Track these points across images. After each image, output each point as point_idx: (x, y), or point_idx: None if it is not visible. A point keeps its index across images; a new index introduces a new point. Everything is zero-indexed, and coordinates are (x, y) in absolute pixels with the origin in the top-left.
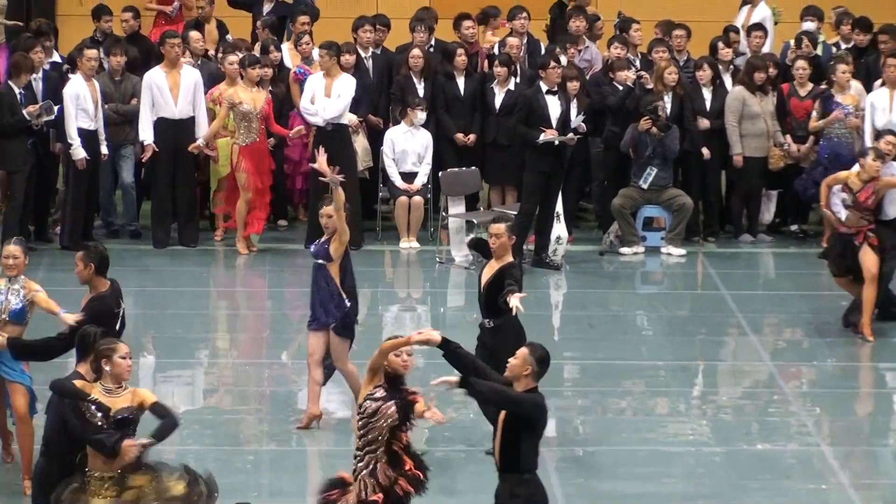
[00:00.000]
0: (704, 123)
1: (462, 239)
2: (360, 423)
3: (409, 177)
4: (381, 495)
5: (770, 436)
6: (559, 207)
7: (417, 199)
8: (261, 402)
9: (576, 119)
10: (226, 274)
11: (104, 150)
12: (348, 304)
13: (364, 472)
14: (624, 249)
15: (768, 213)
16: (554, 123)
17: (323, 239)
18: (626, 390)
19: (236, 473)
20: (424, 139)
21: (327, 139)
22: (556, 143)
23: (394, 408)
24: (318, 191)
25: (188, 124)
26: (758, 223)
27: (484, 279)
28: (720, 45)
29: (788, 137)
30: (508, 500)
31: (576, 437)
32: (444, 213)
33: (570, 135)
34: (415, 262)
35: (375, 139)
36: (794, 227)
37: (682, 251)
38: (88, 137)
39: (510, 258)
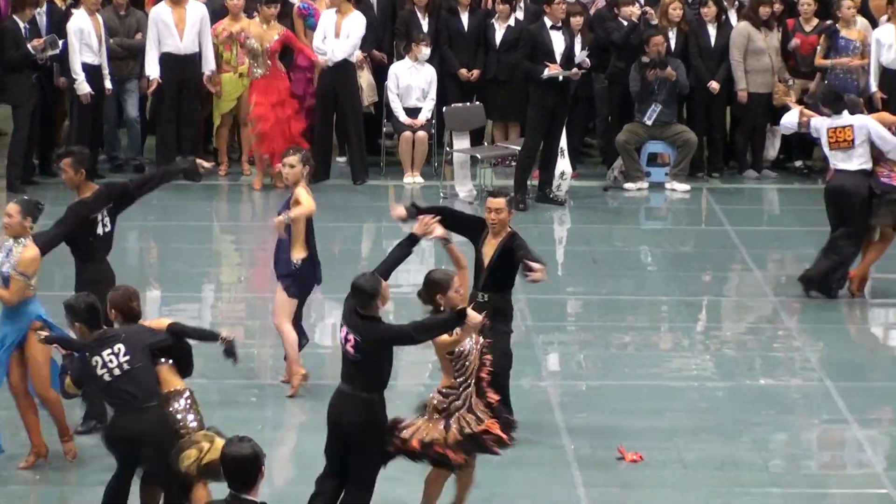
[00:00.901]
0: (714, 86)
1: (466, 174)
2: (455, 365)
3: (413, 112)
4: (487, 425)
5: (773, 371)
6: (563, 143)
7: (421, 134)
8: (265, 337)
9: (580, 54)
10: (229, 208)
11: (108, 84)
12: (296, 264)
13: (462, 409)
14: (628, 185)
15: (773, 148)
16: (558, 59)
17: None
18: (630, 325)
19: (240, 407)
20: (429, 74)
21: (333, 74)
22: (560, 78)
23: (479, 337)
24: (323, 125)
25: (194, 59)
26: (762, 159)
27: (486, 255)
28: None
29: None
30: None
31: (579, 372)
32: (448, 149)
33: (574, 70)
34: (419, 197)
35: (380, 74)
36: (798, 163)
37: (687, 187)
38: (92, 72)
39: (509, 229)
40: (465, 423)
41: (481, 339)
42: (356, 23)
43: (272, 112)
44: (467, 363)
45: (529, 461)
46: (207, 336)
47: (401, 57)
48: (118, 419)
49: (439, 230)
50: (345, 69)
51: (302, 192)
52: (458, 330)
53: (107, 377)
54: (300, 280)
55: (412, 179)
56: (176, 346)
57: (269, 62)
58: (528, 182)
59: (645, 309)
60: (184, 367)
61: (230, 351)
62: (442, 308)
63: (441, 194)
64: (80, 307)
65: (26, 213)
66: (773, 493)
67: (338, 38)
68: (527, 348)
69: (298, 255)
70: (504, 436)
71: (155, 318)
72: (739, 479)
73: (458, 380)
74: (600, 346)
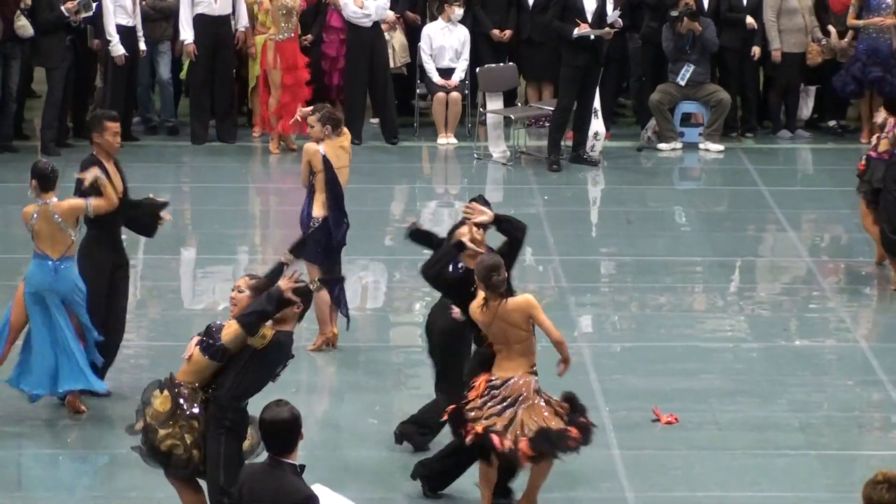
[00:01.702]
0: (756, 51)
1: (500, 135)
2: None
3: (446, 73)
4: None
5: (808, 332)
6: (597, 103)
7: (455, 94)
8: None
9: (612, 14)
10: (263, 170)
11: (142, 46)
12: (314, 225)
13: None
14: (662, 145)
15: (806, 108)
16: (589, 18)
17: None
18: (664, 286)
19: None
20: (462, 35)
21: (366, 34)
22: (592, 37)
23: None
24: (354, 86)
25: (227, 20)
26: (796, 119)
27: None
28: None
29: (832, 29)
30: None
31: (613, 333)
32: (481, 109)
33: (606, 29)
34: (452, 157)
35: (413, 35)
36: (832, 123)
37: (720, 147)
38: (127, 34)
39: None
40: (537, 418)
41: None
42: None
43: (290, 76)
44: None
45: None
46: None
47: (434, 18)
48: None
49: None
50: (377, 29)
51: (307, 147)
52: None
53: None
54: (314, 242)
55: (445, 140)
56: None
57: (296, 23)
58: (562, 143)
59: (679, 270)
60: None
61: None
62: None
63: (474, 155)
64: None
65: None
66: (809, 454)
67: None
68: (561, 309)
69: (318, 212)
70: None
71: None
72: (774, 440)
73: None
74: (634, 307)
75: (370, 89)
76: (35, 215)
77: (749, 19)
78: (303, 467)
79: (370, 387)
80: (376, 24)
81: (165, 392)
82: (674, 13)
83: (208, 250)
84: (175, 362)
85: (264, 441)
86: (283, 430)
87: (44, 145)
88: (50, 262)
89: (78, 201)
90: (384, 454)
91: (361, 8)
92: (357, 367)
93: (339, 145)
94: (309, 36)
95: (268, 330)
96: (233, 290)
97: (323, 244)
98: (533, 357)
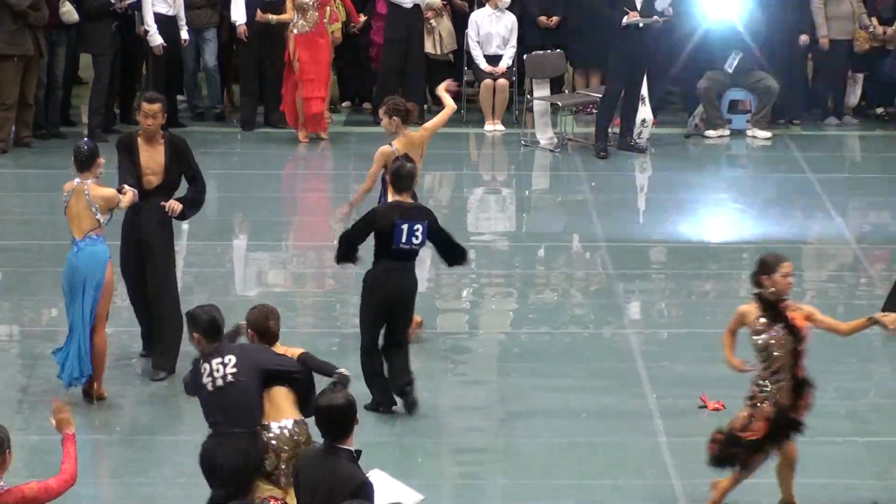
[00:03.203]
0: (804, 39)
1: (547, 122)
2: (760, 357)
3: (493, 59)
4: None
5: (855, 318)
6: (644, 90)
7: (502, 81)
8: (347, 286)
9: (662, 2)
10: (312, 156)
11: (184, 35)
12: None
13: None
14: (709, 132)
15: (854, 95)
16: (638, 6)
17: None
18: (712, 273)
19: (321, 355)
20: (509, 22)
21: (408, 17)
22: (640, 25)
23: (783, 332)
24: (388, 67)
25: (277, 4)
26: (843, 106)
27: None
28: None
29: (874, 19)
30: None
31: (660, 320)
32: (528, 96)
33: (655, 17)
34: (499, 144)
35: (460, 22)
36: (879, 110)
37: (768, 134)
38: (166, 23)
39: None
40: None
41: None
42: None
43: (313, 70)
44: (773, 354)
45: (611, 410)
46: (328, 370)
47: (481, 5)
48: (206, 441)
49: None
50: (417, 11)
51: (381, 150)
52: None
53: (209, 386)
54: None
55: (493, 127)
56: (300, 378)
57: (317, 16)
58: (609, 129)
59: (726, 256)
60: (303, 402)
61: (342, 384)
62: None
63: (522, 142)
64: (201, 318)
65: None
66: (856, 441)
67: None
68: (609, 296)
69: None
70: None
71: (282, 343)
72: (822, 427)
73: (764, 371)
74: (682, 293)
75: (404, 72)
76: (69, 192)
77: (804, 37)
78: (359, 452)
79: (417, 373)
80: (417, 7)
81: None
82: None
83: (257, 237)
84: None
85: (319, 427)
86: (339, 416)
87: (91, 131)
88: (73, 242)
89: (112, 193)
90: (430, 439)
91: None
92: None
93: (409, 140)
94: (362, 16)
95: None
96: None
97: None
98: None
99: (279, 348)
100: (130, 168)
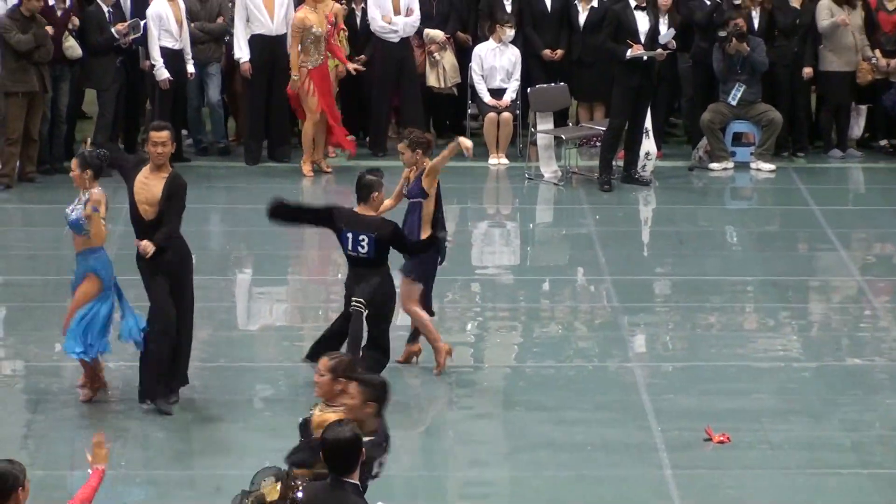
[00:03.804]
0: (808, 71)
1: (551, 155)
2: None
3: (497, 93)
4: None
5: (860, 351)
6: (648, 123)
7: (506, 115)
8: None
9: (665, 34)
10: (316, 190)
11: (191, 68)
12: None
13: None
14: (713, 165)
15: (857, 127)
16: (642, 38)
17: (413, 177)
18: (716, 306)
19: None
20: (513, 55)
21: (397, 50)
22: (645, 58)
23: None
24: (381, 102)
25: (283, 40)
26: (847, 138)
27: None
28: None
29: (878, 52)
30: None
31: (665, 353)
32: (532, 129)
33: (659, 50)
34: (504, 177)
35: (464, 56)
36: (883, 142)
37: (772, 166)
38: (172, 57)
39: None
40: None
41: None
42: None
43: (324, 101)
44: None
45: (616, 443)
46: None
47: (485, 38)
48: None
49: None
50: (405, 44)
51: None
52: None
53: None
54: (421, 263)
55: (497, 161)
56: None
57: (324, 50)
58: (614, 163)
59: (731, 289)
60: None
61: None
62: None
63: (526, 175)
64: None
65: (85, 166)
66: (862, 473)
67: (398, 14)
68: (613, 329)
69: (426, 234)
70: None
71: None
72: (827, 460)
73: None
74: (686, 326)
75: (399, 105)
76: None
77: (807, 70)
78: (365, 487)
79: (423, 407)
80: (405, 41)
81: (279, 485)
82: (722, 33)
83: (260, 271)
84: (228, 383)
85: (326, 461)
86: (346, 450)
87: None
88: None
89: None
90: (436, 473)
91: (389, 24)
92: (407, 388)
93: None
94: (363, 56)
95: None
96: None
97: (426, 266)
98: None
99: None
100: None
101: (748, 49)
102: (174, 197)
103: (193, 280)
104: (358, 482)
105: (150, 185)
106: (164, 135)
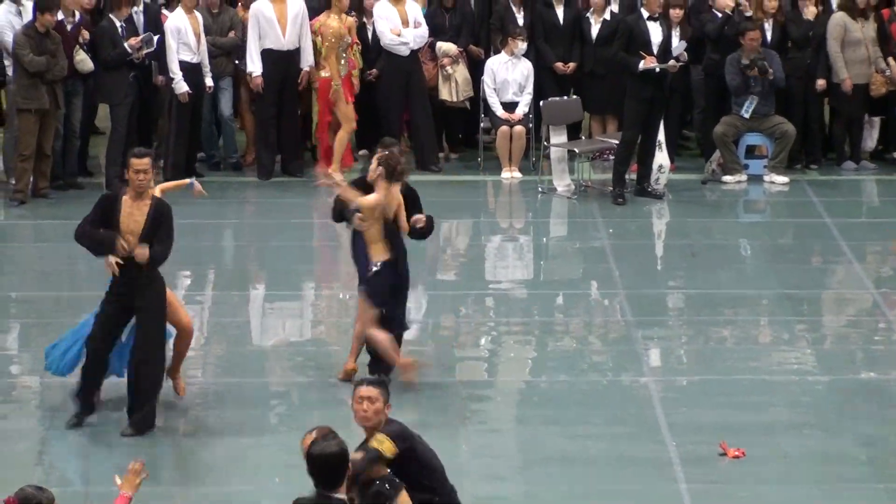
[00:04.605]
0: (821, 83)
1: (564, 168)
2: None
3: (510, 106)
4: None
5: (875, 364)
6: (661, 136)
7: (519, 128)
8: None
9: (678, 46)
10: (329, 205)
11: (209, 82)
12: (375, 268)
13: None
14: (726, 178)
15: (871, 139)
16: (655, 50)
17: None
18: (729, 319)
19: (339, 406)
20: (525, 69)
21: (408, 63)
22: (657, 70)
23: None
24: (392, 115)
25: (295, 55)
26: (860, 150)
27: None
28: None
29: (891, 61)
30: None
31: (679, 367)
32: (545, 143)
33: (671, 62)
34: (517, 191)
35: (476, 69)
36: None
37: (785, 179)
38: (191, 70)
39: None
40: None
41: None
42: (416, 8)
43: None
44: None
45: (631, 457)
46: None
47: (497, 51)
48: None
49: None
50: (414, 57)
51: (367, 197)
52: None
53: None
54: (376, 285)
55: (510, 174)
56: None
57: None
58: (627, 176)
59: (744, 302)
60: None
61: None
62: None
63: (539, 189)
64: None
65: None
66: (877, 487)
67: (406, 27)
68: (627, 343)
69: (378, 257)
70: None
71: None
72: (842, 473)
73: None
74: (700, 340)
75: (409, 118)
76: None
77: (820, 82)
78: (352, 500)
79: (436, 423)
80: (414, 54)
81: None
82: (745, 62)
83: (274, 286)
84: (241, 399)
85: (312, 476)
86: (332, 465)
87: (108, 181)
88: None
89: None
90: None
91: (399, 36)
92: (421, 403)
93: (389, 194)
94: (374, 70)
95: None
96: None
97: (381, 287)
98: None
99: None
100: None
101: (774, 73)
102: (163, 224)
103: (202, 299)
104: (344, 497)
105: (133, 214)
106: (146, 161)
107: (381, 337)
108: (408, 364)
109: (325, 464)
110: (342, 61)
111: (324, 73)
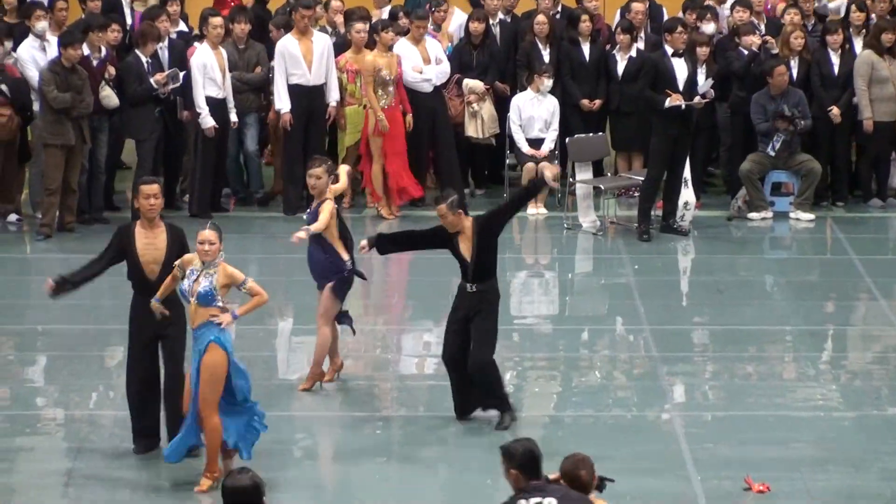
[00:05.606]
0: (835, 112)
1: (590, 205)
2: None
3: (536, 143)
4: None
5: None
6: (687, 173)
7: (545, 165)
8: (391, 368)
9: (704, 84)
10: (356, 240)
11: (233, 117)
12: (348, 265)
13: None
14: (752, 215)
15: None
16: (681, 86)
17: (314, 204)
18: (754, 355)
19: (366, 438)
20: (551, 105)
21: (431, 100)
22: (683, 107)
23: None
24: (416, 152)
25: (321, 91)
26: (887, 187)
27: (465, 250)
28: (853, 8)
29: None
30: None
31: (704, 403)
32: (571, 179)
33: (697, 98)
34: (542, 227)
35: (502, 106)
36: None
37: (811, 216)
38: (217, 106)
39: (468, 220)
40: None
41: None
42: (437, 47)
43: (396, 143)
44: None
45: (656, 492)
46: None
47: (523, 88)
48: None
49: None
50: (437, 93)
51: (325, 206)
52: None
53: None
54: (348, 281)
55: (535, 210)
56: None
57: (393, 92)
58: (652, 212)
59: (770, 339)
60: None
61: None
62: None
63: (564, 225)
64: (516, 452)
65: (221, 237)
66: None
67: (428, 64)
68: (652, 379)
69: (346, 255)
70: None
71: None
72: None
73: None
74: (725, 376)
75: (435, 155)
76: None
77: (835, 110)
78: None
79: (461, 457)
80: (437, 91)
81: None
82: (787, 114)
83: (300, 321)
84: (266, 432)
85: None
86: (245, 499)
87: (134, 215)
88: None
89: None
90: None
91: (420, 73)
92: (447, 440)
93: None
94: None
95: None
96: None
97: (349, 283)
98: None
99: (593, 499)
100: (113, 259)
101: (808, 126)
102: (185, 241)
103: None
104: None
105: (150, 242)
106: (155, 188)
107: (329, 335)
108: (320, 374)
109: (238, 497)
110: (382, 97)
111: (349, 109)
